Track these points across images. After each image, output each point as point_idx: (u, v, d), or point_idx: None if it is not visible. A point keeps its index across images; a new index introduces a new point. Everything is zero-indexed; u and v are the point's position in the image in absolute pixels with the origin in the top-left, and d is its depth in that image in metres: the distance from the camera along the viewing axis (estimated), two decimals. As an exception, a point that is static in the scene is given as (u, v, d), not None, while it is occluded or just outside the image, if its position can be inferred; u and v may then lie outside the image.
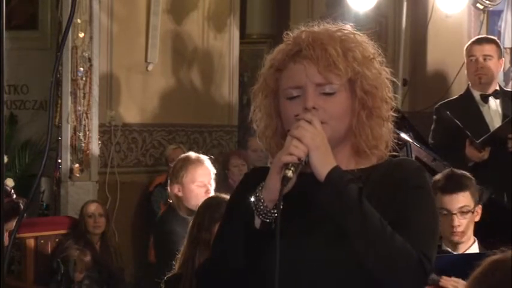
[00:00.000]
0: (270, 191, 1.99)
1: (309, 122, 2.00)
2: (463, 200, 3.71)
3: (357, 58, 2.06)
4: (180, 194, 4.54)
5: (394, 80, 2.16)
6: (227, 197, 3.73)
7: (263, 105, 2.13)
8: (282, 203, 1.95)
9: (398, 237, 1.96)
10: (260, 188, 2.02)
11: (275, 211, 1.99)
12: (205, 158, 4.65)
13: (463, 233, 3.67)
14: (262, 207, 2.00)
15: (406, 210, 2.02)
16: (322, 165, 1.98)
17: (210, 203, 3.68)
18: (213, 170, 4.62)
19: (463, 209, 3.69)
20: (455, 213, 3.68)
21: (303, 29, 2.12)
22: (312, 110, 2.03)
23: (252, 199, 2.02)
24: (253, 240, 2.03)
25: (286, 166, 1.96)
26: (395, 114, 2.14)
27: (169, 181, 4.69)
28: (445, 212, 3.69)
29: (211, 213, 3.54)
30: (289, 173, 1.94)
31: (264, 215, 2.00)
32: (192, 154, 4.72)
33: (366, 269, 1.97)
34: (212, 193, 4.47)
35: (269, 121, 2.13)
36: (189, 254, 3.52)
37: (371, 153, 2.10)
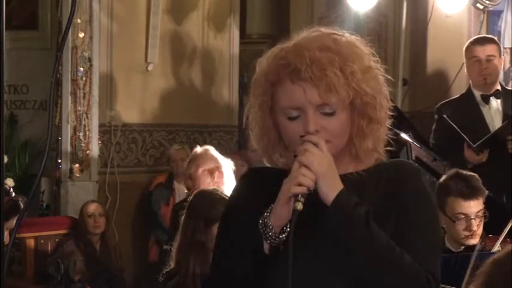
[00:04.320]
0: (278, 218, 1.97)
1: (315, 145, 1.97)
2: (479, 204, 3.73)
3: (356, 74, 2.00)
4: (192, 187, 4.59)
5: (389, 77, 2.11)
6: (223, 192, 3.72)
7: (258, 118, 2.10)
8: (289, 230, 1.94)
9: (407, 258, 1.94)
10: (268, 213, 2.00)
11: (283, 235, 1.98)
12: (210, 148, 4.73)
13: (478, 235, 3.70)
14: (270, 233, 1.98)
15: (407, 222, 2.00)
16: (330, 191, 1.97)
17: (203, 202, 3.62)
18: (221, 158, 4.67)
19: (479, 213, 3.72)
20: (473, 218, 3.70)
21: (293, 40, 2.04)
22: (315, 134, 2.00)
23: (260, 224, 1.99)
24: (262, 265, 2.01)
25: (295, 197, 1.94)
26: (393, 114, 2.10)
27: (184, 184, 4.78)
28: (462, 217, 3.70)
29: (206, 214, 3.50)
30: (299, 206, 1.93)
31: (271, 240, 1.99)
32: (198, 148, 4.80)
33: None
34: (228, 180, 4.52)
35: (265, 133, 2.10)
36: (184, 255, 3.50)
37: (370, 155, 2.08)
